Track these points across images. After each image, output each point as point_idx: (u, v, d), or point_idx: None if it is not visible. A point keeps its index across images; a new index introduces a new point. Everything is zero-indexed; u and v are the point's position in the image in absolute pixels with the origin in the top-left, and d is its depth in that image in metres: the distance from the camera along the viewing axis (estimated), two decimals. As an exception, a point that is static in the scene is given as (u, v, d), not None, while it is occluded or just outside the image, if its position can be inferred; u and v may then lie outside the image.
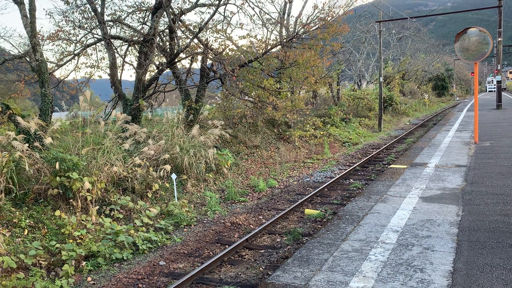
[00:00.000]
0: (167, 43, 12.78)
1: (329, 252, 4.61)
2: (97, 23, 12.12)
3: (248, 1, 13.11)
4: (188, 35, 13.35)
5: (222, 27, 13.76)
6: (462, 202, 6.16)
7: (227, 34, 14.02)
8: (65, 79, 14.05)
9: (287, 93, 15.81)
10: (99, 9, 11.75)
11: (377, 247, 4.62)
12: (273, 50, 13.56)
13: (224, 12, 17.08)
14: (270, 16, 17.04)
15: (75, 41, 12.93)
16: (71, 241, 6.42)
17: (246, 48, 13.33)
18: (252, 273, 5.79)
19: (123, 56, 13.65)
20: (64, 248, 6.15)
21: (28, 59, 10.61)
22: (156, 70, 12.75)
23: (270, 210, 8.92)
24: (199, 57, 12.89)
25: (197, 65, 13.43)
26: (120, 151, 8.66)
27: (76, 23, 12.61)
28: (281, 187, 11.10)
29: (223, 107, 14.70)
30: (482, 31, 10.93)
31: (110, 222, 7.20)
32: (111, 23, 12.98)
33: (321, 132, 17.40)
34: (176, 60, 12.21)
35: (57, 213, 6.75)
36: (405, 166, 9.42)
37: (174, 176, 8.83)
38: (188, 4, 12.96)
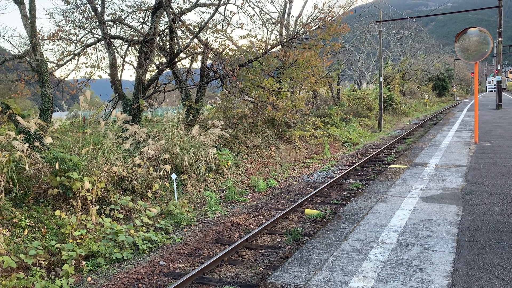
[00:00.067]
0: (167, 43, 12.78)
1: (329, 252, 4.61)
2: (97, 23, 12.12)
3: (248, 1, 13.12)
4: (188, 35, 13.35)
5: (222, 27, 13.77)
6: (462, 202, 6.16)
7: (227, 34, 14.02)
8: (65, 79, 14.06)
9: (287, 93, 15.80)
10: (99, 9, 11.75)
11: (377, 247, 4.62)
12: (273, 50, 13.57)
13: (224, 12, 17.14)
14: (270, 16, 17.05)
15: (75, 41, 12.93)
16: (71, 241, 6.42)
17: (246, 48, 13.33)
18: (252, 273, 5.79)
19: (123, 56, 13.65)
20: (64, 248, 6.15)
21: (28, 59, 10.62)
22: (156, 70, 12.76)
23: (270, 210, 8.92)
24: (199, 57, 12.89)
25: (197, 65, 13.45)
26: (120, 151, 8.66)
27: (76, 23, 12.62)
28: (281, 187, 11.10)
29: (223, 107, 14.70)
30: (482, 31, 10.93)
31: (110, 222, 7.20)
32: (111, 23, 12.98)
33: (321, 132, 17.40)
34: (176, 60, 12.21)
35: (57, 213, 6.75)
36: (405, 166, 9.42)
37: (174, 176, 8.83)
38: (188, 4, 12.97)
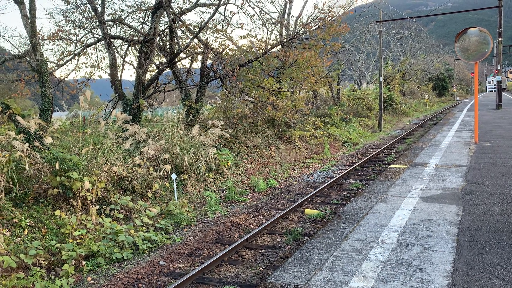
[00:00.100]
0: (167, 43, 12.79)
1: (329, 252, 4.61)
2: (97, 23, 12.12)
3: (248, 1, 13.12)
4: (188, 35, 13.35)
5: (222, 27, 13.77)
6: (462, 202, 6.16)
7: (227, 34, 14.02)
8: (65, 79, 14.06)
9: (287, 93, 15.80)
10: (99, 9, 11.75)
11: (377, 247, 4.62)
12: (273, 50, 13.57)
13: (224, 12, 17.14)
14: (270, 16, 17.05)
15: (75, 41, 12.93)
16: (71, 240, 6.42)
17: (246, 48, 13.33)
18: (252, 273, 5.80)
19: (123, 56, 13.65)
20: (64, 247, 6.15)
21: (28, 58, 10.62)
22: (156, 70, 12.76)
23: (270, 210, 8.92)
24: (199, 57, 12.89)
25: (197, 65, 13.45)
26: (120, 151, 8.66)
27: (76, 23, 12.62)
28: (281, 187, 11.10)
29: (223, 107, 14.70)
30: (482, 31, 10.93)
31: (110, 222, 7.21)
32: (111, 23, 12.98)
33: (321, 132, 17.40)
34: (176, 60, 12.21)
35: (57, 212, 6.75)
36: (405, 166, 9.42)
37: (174, 176, 8.83)
38: (188, 4, 12.97)
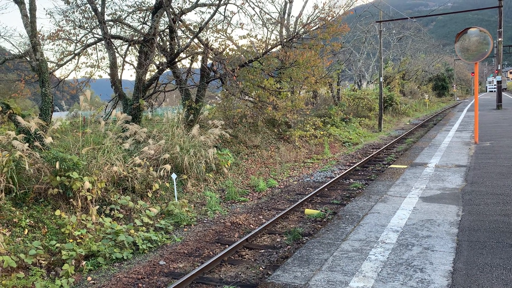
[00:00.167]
0: (167, 43, 12.79)
1: (329, 252, 4.61)
2: (98, 23, 12.12)
3: (248, 1, 13.12)
4: (189, 35, 13.35)
5: (223, 27, 13.77)
6: (462, 202, 6.16)
7: (227, 34, 14.02)
8: (66, 79, 14.06)
9: (287, 93, 15.80)
10: (99, 9, 11.75)
11: (377, 247, 4.63)
12: (273, 50, 13.57)
13: (225, 12, 17.12)
14: (271, 16, 17.04)
15: (75, 41, 12.93)
16: (71, 240, 6.43)
17: (247, 48, 13.33)
18: (252, 273, 5.80)
19: (123, 56, 13.65)
20: (64, 247, 6.15)
21: (28, 58, 10.61)
22: (157, 70, 12.76)
23: (270, 210, 8.92)
24: (199, 57, 12.89)
25: (197, 65, 13.45)
26: (120, 151, 8.66)
27: (77, 23, 12.62)
28: (281, 187, 11.10)
29: (223, 107, 14.70)
30: (483, 31, 10.93)
31: (110, 222, 7.21)
32: (111, 23, 12.98)
33: (321, 132, 17.41)
34: (176, 60, 12.21)
35: (57, 212, 6.76)
36: (405, 166, 9.42)
37: (174, 175, 8.83)
38: (189, 4, 12.97)
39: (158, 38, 12.26)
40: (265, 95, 13.54)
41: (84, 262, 6.13)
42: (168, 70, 12.85)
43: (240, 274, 5.79)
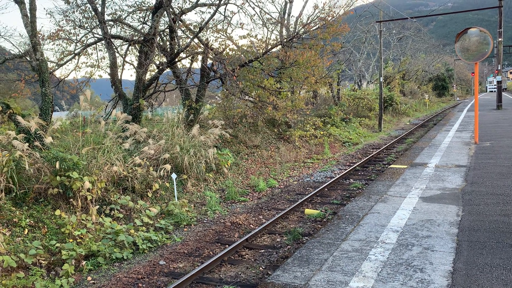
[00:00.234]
0: (168, 43, 12.79)
1: (329, 252, 4.61)
2: (98, 23, 12.12)
3: (248, 1, 13.12)
4: (189, 35, 13.36)
5: (223, 27, 13.77)
6: (462, 202, 6.16)
7: (228, 34, 14.01)
8: (66, 79, 14.06)
9: (287, 93, 15.80)
10: (99, 9, 11.75)
11: (377, 247, 4.63)
12: (274, 50, 13.57)
13: (225, 12, 17.12)
14: (271, 16, 17.03)
15: (75, 41, 12.93)
16: (71, 240, 6.43)
17: (247, 48, 13.33)
18: (252, 273, 5.80)
19: (123, 56, 13.65)
20: (64, 247, 6.15)
21: (28, 58, 10.61)
22: (157, 70, 12.76)
23: (270, 210, 8.92)
24: (200, 57, 12.89)
25: (197, 65, 13.45)
26: (120, 151, 8.66)
27: (77, 23, 12.62)
28: (281, 187, 11.10)
29: (223, 107, 14.70)
30: (483, 31, 10.93)
31: (110, 222, 7.21)
32: (111, 23, 12.98)
33: (321, 132, 17.40)
34: (176, 59, 12.21)
35: (57, 212, 6.76)
36: (405, 166, 9.42)
37: (174, 175, 8.84)
38: (189, 4, 12.97)
39: (158, 38, 12.26)
40: (265, 95, 13.54)
41: (84, 262, 6.13)
42: (168, 70, 12.86)
43: (240, 274, 5.79)
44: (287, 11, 18.11)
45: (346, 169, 12.65)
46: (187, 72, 13.25)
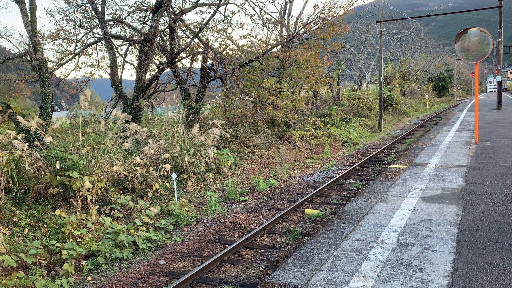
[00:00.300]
0: (168, 43, 12.79)
1: (329, 251, 4.61)
2: (98, 23, 12.12)
3: (248, 0, 13.11)
4: (189, 35, 13.36)
5: (223, 27, 13.76)
6: (462, 202, 6.16)
7: (228, 34, 14.01)
8: (66, 78, 14.05)
9: (287, 93, 15.80)
10: (99, 9, 11.75)
11: (377, 247, 4.63)
12: (274, 49, 13.56)
13: (225, 11, 17.10)
14: (271, 15, 17.03)
15: (75, 41, 12.93)
16: (71, 240, 6.43)
17: (247, 48, 13.33)
18: (252, 273, 5.80)
19: (123, 56, 13.65)
20: (64, 247, 6.15)
21: (28, 58, 10.61)
22: (157, 70, 12.76)
23: (270, 209, 8.92)
24: (200, 57, 12.89)
25: (197, 65, 13.45)
26: (120, 151, 8.66)
27: (77, 23, 12.62)
28: (281, 186, 11.10)
29: (223, 107, 14.70)
30: (483, 31, 10.93)
31: (110, 221, 7.21)
32: (111, 23, 12.98)
33: (321, 132, 17.41)
34: (176, 59, 12.21)
35: (57, 212, 6.76)
36: (405, 166, 9.42)
37: (174, 175, 8.84)
38: (189, 4, 12.97)
39: (158, 38, 12.26)
40: (265, 95, 13.54)
41: (84, 262, 6.13)
42: (168, 69, 12.85)
43: (240, 274, 5.80)
44: (287, 11, 18.11)
45: (346, 169, 12.65)
46: (187, 72, 13.25)
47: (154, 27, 11.33)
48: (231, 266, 6.09)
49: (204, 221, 8.26)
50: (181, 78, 12.78)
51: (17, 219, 6.45)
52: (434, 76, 57.56)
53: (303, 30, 14.49)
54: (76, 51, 13.00)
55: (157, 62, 13.00)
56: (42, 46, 9.93)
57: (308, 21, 14.89)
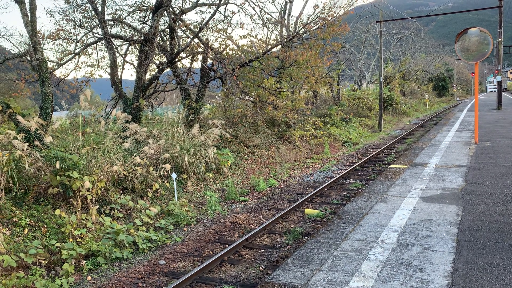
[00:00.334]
0: (168, 43, 12.78)
1: (329, 251, 4.61)
2: (98, 22, 12.12)
3: (248, 0, 13.11)
4: (189, 35, 13.35)
5: (223, 27, 13.76)
6: (462, 202, 6.16)
7: (228, 34, 14.01)
8: (66, 78, 14.05)
9: (287, 93, 15.80)
10: (99, 8, 11.75)
11: (377, 247, 4.63)
12: (274, 49, 13.56)
13: (225, 11, 17.08)
14: (271, 15, 17.04)
15: (75, 40, 12.93)
16: (71, 240, 6.43)
17: (247, 48, 13.32)
18: (252, 273, 5.80)
19: (123, 55, 13.65)
20: (64, 247, 6.15)
21: (28, 58, 10.61)
22: (157, 70, 12.75)
23: (270, 209, 8.92)
24: (200, 57, 12.89)
25: (197, 65, 13.45)
26: (120, 150, 8.66)
27: (77, 22, 12.61)
28: (281, 186, 11.10)
29: (223, 107, 14.70)
30: (483, 31, 10.93)
31: (110, 221, 7.21)
32: (111, 22, 12.97)
33: (321, 132, 17.41)
34: (176, 59, 12.21)
35: (57, 212, 6.75)
36: (405, 166, 9.42)
37: (174, 175, 8.84)
38: (189, 4, 12.97)
39: (158, 38, 12.26)
40: (265, 95, 13.54)
41: (84, 262, 6.13)
42: (168, 69, 12.85)
43: (240, 273, 5.80)
44: (287, 11, 18.11)
45: (346, 169, 12.65)
46: (187, 71, 13.25)
47: (154, 27, 11.33)
48: (231, 266, 6.09)
49: (204, 221, 8.26)
50: (181, 78, 12.78)
51: (17, 219, 6.45)
52: (434, 76, 57.57)
53: (303, 30, 14.49)
54: (76, 51, 12.99)
55: (157, 62, 13.00)
56: (42, 46, 9.93)
57: (308, 21, 14.89)
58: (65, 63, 12.98)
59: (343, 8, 20.57)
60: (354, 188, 10.21)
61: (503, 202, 6.00)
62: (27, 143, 7.32)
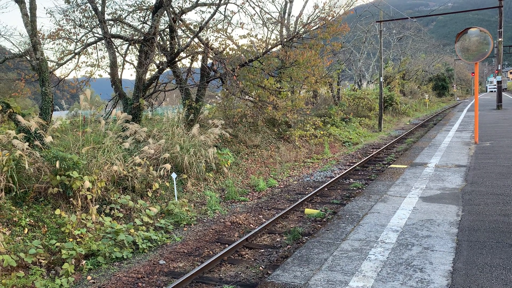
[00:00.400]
0: (168, 42, 12.79)
1: (329, 251, 4.61)
2: (98, 22, 12.12)
3: (248, 0, 13.10)
4: (189, 35, 13.35)
5: (223, 27, 13.76)
6: (462, 202, 6.16)
7: (228, 34, 14.01)
8: (66, 78, 14.05)
9: (287, 93, 15.79)
10: (99, 8, 11.75)
11: (377, 247, 4.63)
12: (274, 49, 13.56)
13: (225, 11, 17.07)
14: (271, 15, 17.03)
15: (75, 40, 12.93)
16: (71, 240, 6.43)
17: (247, 48, 13.32)
18: (252, 272, 5.80)
19: (123, 55, 13.65)
20: (64, 247, 6.15)
21: (28, 57, 10.61)
22: (157, 69, 12.75)
23: (270, 209, 8.92)
24: (200, 56, 12.89)
25: (197, 64, 13.45)
26: (120, 150, 8.66)
27: (77, 22, 12.61)
28: (281, 186, 11.10)
29: (223, 107, 14.70)
30: (483, 31, 10.93)
31: (110, 221, 7.21)
32: (111, 22, 12.98)
33: (321, 132, 17.41)
34: (176, 59, 12.21)
35: (57, 211, 6.75)
36: (405, 166, 9.42)
37: (174, 175, 8.84)
38: (189, 4, 12.96)
39: (158, 38, 12.26)
40: (265, 95, 13.54)
41: (84, 261, 6.13)
42: (168, 69, 12.86)
43: (240, 273, 5.80)
44: (287, 11, 18.11)
45: (346, 169, 12.65)
46: (187, 71, 13.25)
47: (154, 26, 11.33)
48: (231, 265, 6.09)
49: (204, 220, 8.26)
50: (181, 77, 12.78)
51: (17, 219, 6.45)
52: (434, 76, 57.57)
53: (303, 30, 14.49)
54: (76, 51, 12.99)
55: (157, 62, 13.00)
56: (42, 45, 9.93)
57: (308, 21, 14.89)
58: (65, 63, 12.98)
59: (343, 8, 20.58)
60: (354, 188, 10.21)
61: (503, 202, 6.00)
62: (27, 143, 7.32)
